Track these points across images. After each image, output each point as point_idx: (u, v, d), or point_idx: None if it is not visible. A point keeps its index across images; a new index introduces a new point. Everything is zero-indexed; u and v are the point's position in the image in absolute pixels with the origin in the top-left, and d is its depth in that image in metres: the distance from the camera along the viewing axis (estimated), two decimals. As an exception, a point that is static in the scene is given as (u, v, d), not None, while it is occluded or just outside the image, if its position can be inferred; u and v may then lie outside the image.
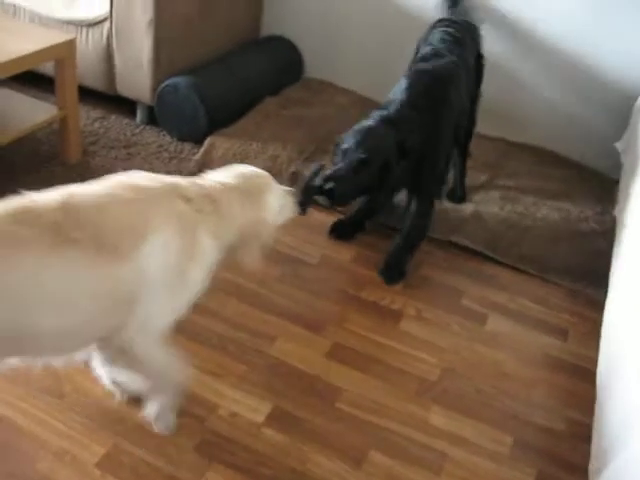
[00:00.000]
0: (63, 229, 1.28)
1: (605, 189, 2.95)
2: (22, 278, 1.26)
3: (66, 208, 1.31)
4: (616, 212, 2.42)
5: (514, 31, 3.06)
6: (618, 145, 2.82)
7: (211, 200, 1.56)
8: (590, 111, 3.06)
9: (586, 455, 1.67)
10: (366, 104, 3.30)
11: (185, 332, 2.00)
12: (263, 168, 2.70)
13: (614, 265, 2.11)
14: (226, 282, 2.24)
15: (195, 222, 1.49)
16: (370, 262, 2.44)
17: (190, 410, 1.79)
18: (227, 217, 1.58)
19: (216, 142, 2.83)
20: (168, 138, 2.89)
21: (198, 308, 2.08)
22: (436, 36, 2.54)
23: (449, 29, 2.55)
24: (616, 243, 2.21)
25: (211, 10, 2.96)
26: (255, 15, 3.37)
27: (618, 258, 2.08)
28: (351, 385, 1.94)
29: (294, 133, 2.99)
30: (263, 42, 3.37)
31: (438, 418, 1.88)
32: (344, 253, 2.48)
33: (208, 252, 1.55)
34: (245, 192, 1.66)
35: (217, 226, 1.55)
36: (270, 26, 3.44)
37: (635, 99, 2.84)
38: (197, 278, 1.55)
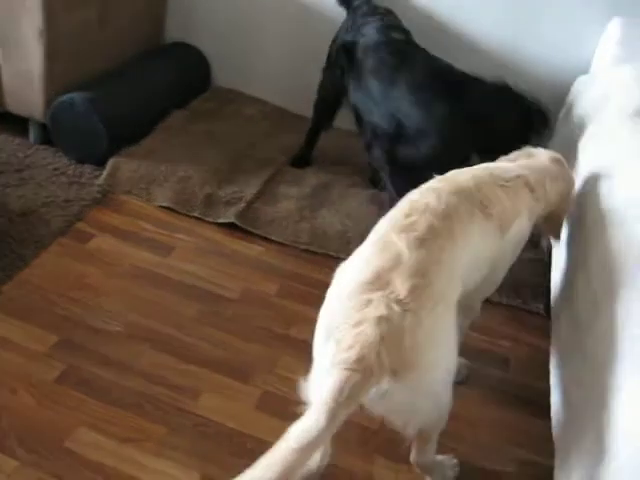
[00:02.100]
0: (485, 206, 1.55)
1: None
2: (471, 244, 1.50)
3: (479, 187, 1.58)
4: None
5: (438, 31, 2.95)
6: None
7: (542, 187, 1.73)
8: None
9: None
10: (276, 115, 3.14)
11: (93, 390, 1.78)
12: (173, 192, 2.54)
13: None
14: (137, 327, 2.01)
15: (533, 209, 1.72)
16: (296, 295, 2.25)
17: (104, 489, 1.56)
18: (546, 201, 1.76)
19: (120, 164, 2.56)
20: (65, 160, 2.59)
21: (106, 361, 1.88)
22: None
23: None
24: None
25: (111, 16, 2.68)
26: (157, 20, 3.10)
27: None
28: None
29: (205, 151, 2.76)
30: (167, 49, 3.11)
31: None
32: (267, 285, 2.28)
33: (527, 233, 1.77)
34: (553, 174, 1.81)
35: (539, 210, 1.75)
36: (174, 32, 3.18)
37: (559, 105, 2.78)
38: (514, 257, 1.79)
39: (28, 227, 2.25)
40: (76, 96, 2.51)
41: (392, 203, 2.29)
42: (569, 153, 2.41)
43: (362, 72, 2.45)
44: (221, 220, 2.47)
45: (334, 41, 2.68)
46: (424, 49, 2.47)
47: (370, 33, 2.48)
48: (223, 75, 3.24)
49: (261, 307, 2.19)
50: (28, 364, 1.82)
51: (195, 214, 2.49)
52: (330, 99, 2.72)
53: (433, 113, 2.27)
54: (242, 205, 2.52)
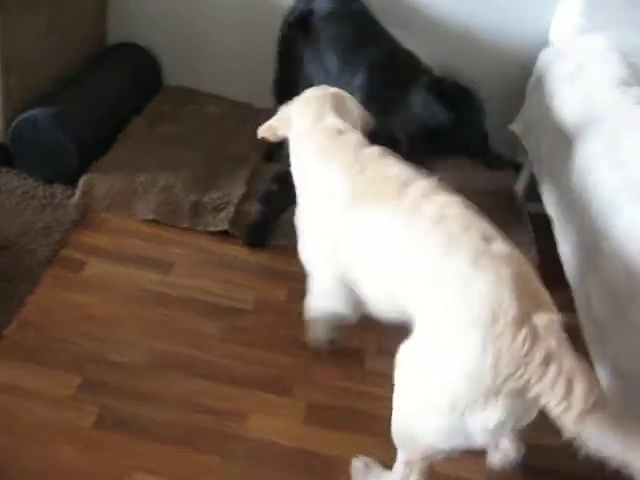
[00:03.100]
0: None
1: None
2: None
3: None
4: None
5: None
6: (514, 126, 2.80)
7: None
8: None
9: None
10: (240, 110, 3.02)
11: (134, 430, 1.67)
12: (157, 203, 2.40)
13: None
14: (159, 354, 1.89)
15: None
16: (303, 296, 2.17)
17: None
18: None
19: (93, 180, 2.38)
20: (32, 181, 2.37)
21: (138, 395, 1.76)
22: None
23: None
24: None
25: (58, 22, 2.47)
26: (100, 22, 2.89)
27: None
28: (345, 451, 1.71)
29: (178, 156, 2.60)
30: (114, 52, 2.89)
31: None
32: (276, 291, 2.20)
33: None
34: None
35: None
36: (117, 32, 2.97)
37: (527, 75, 2.79)
38: None
39: (12, 261, 2.06)
40: (38, 113, 2.30)
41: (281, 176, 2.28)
42: (542, 120, 2.47)
43: (319, 42, 2.36)
44: (212, 229, 2.36)
45: (288, 14, 2.57)
46: (382, 27, 2.40)
47: (324, 1, 2.40)
48: (174, 74, 3.06)
49: (277, 315, 2.12)
50: (58, 413, 1.68)
51: (184, 225, 2.36)
52: (288, 80, 2.59)
53: (382, 104, 2.13)
54: (231, 210, 2.41)
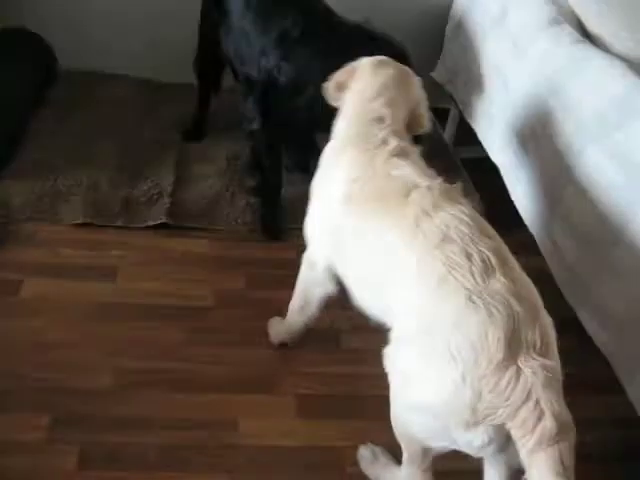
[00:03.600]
0: None
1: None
2: None
3: None
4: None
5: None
6: (435, 74, 2.76)
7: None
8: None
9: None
10: (149, 89, 2.82)
11: (126, 463, 1.55)
12: (84, 204, 2.19)
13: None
14: (127, 372, 1.75)
15: None
16: (268, 282, 2.09)
17: None
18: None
19: (8, 188, 2.15)
20: None
21: (118, 423, 1.63)
22: None
23: None
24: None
25: None
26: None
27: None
28: (347, 439, 1.67)
29: (95, 148, 2.40)
30: (1, 39, 2.59)
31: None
32: (234, 281, 2.09)
33: None
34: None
35: None
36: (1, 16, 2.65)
37: (443, 21, 2.76)
38: None
39: (-62, 295, 1.83)
40: None
41: (255, 155, 2.20)
42: (470, 67, 2.45)
43: (234, 10, 2.21)
44: (151, 223, 2.19)
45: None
46: None
47: None
48: (69, 56, 2.78)
49: (241, 306, 2.01)
50: (35, 460, 1.52)
51: (119, 223, 2.18)
52: (210, 55, 2.45)
53: (307, 66, 2.06)
54: (166, 201, 2.25)
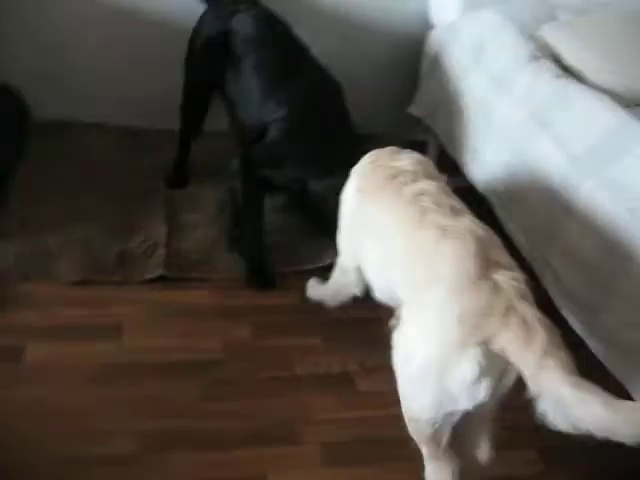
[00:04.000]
0: None
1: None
2: None
3: None
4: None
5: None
6: (413, 109, 2.82)
7: None
8: (366, 80, 2.91)
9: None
10: (127, 137, 2.79)
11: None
12: (79, 261, 2.14)
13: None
14: (147, 435, 1.71)
15: None
16: (273, 330, 2.08)
17: None
18: None
19: (-2, 250, 2.09)
20: None
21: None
22: None
23: None
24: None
25: None
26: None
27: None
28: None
29: (83, 202, 2.36)
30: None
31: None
32: (239, 331, 2.06)
33: None
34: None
35: None
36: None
37: (417, 56, 2.83)
38: None
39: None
40: None
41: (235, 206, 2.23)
42: (451, 101, 2.51)
43: (243, 67, 2.25)
44: (148, 277, 2.16)
45: (196, 35, 2.41)
46: (308, 53, 2.30)
47: (246, 22, 2.27)
48: (45, 108, 2.71)
49: (250, 357, 1.99)
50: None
51: (116, 279, 2.13)
52: (199, 100, 2.47)
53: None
54: (161, 252, 2.22)
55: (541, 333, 1.23)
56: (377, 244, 1.65)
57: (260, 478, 1.65)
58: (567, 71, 2.20)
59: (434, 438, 1.47)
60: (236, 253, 2.26)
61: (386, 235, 1.59)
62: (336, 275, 1.96)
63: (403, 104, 2.86)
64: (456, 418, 1.41)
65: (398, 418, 1.50)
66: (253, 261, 2.23)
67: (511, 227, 2.13)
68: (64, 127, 2.70)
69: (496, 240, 1.45)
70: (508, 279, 1.32)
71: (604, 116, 1.89)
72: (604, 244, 1.74)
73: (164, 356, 1.93)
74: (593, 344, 1.78)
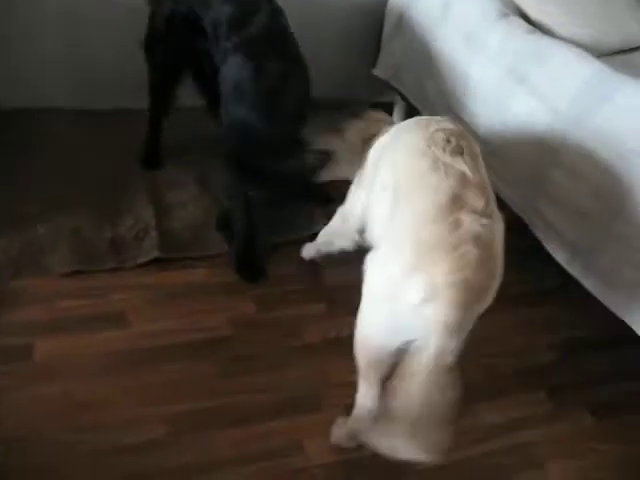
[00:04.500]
0: None
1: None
2: None
3: None
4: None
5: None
6: (377, 71, 2.84)
7: None
8: (330, 43, 2.90)
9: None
10: (92, 120, 2.69)
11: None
12: (71, 251, 2.09)
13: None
14: (176, 417, 1.72)
15: None
16: (277, 302, 2.10)
17: None
18: None
19: (-15, 247, 2.00)
20: None
21: (187, 470, 1.59)
22: None
23: None
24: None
25: None
26: None
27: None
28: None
29: (64, 192, 2.27)
30: None
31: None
32: (244, 306, 2.06)
33: None
34: None
35: None
36: None
37: (380, 18, 2.83)
38: None
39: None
40: None
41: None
42: (419, 63, 2.55)
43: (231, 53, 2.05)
44: (142, 260, 2.12)
45: (156, 15, 2.29)
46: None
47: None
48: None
49: (259, 330, 2.00)
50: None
51: (111, 266, 2.09)
52: (169, 76, 2.36)
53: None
54: (153, 234, 2.18)
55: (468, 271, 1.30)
56: (389, 168, 1.63)
57: (297, 446, 1.69)
58: (534, 26, 2.27)
59: (374, 365, 1.53)
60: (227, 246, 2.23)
61: (395, 160, 1.60)
62: (336, 220, 1.99)
63: (368, 67, 2.88)
64: (401, 345, 1.42)
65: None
66: (245, 256, 2.18)
67: (494, 180, 2.20)
68: (19, 115, 2.56)
69: (483, 186, 1.47)
70: (472, 220, 1.36)
71: (580, 67, 1.95)
72: (595, 189, 1.82)
73: (174, 338, 1.92)
74: (590, 284, 1.89)
